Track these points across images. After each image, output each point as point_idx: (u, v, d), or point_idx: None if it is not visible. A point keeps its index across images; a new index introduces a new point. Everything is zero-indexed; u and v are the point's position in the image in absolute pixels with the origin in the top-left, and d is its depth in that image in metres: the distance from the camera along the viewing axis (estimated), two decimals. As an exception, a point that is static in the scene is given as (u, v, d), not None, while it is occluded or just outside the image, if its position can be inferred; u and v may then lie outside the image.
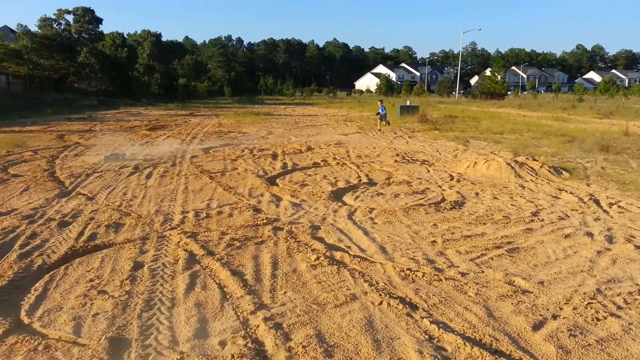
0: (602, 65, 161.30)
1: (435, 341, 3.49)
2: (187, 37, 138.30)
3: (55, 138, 15.84)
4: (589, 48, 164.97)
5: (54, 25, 55.86)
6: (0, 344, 3.40)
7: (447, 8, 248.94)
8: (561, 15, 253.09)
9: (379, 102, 22.09)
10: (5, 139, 14.82)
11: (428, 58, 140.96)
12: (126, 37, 60.87)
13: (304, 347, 3.39)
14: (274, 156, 12.29)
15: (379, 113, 20.33)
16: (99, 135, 17.15)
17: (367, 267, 4.87)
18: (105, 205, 7.28)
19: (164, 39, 71.18)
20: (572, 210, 7.21)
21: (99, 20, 58.39)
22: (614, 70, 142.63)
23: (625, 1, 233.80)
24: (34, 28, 51.54)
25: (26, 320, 3.78)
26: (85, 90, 42.97)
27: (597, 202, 7.70)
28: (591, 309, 4.00)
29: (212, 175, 9.67)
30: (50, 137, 16.14)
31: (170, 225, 6.28)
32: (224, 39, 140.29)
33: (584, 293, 4.30)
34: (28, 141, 14.72)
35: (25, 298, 4.15)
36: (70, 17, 57.33)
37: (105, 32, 58.27)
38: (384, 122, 20.00)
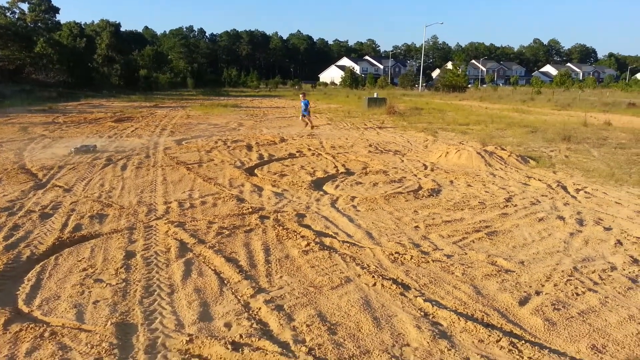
0: (558, 59, 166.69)
1: (430, 317, 3.69)
2: (147, 27, 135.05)
3: (18, 130, 15.34)
4: (545, 42, 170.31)
5: (8, 14, 53.37)
6: (4, 332, 3.39)
7: (410, 1, 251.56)
8: (519, 9, 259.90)
9: (300, 95, 17.99)
10: (-35, 132, 14.28)
11: (391, 51, 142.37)
12: (84, 27, 58.99)
13: (308, 326, 3.52)
14: (249, 147, 12.30)
15: (306, 112, 16.79)
16: (63, 127, 16.69)
17: (357, 252, 5.04)
18: (84, 197, 7.18)
19: (123, 29, 69.44)
20: (542, 195, 7.57)
21: (56, 10, 56.02)
22: (569, 64, 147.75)
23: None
24: (-15, 16, 49.15)
25: (25, 309, 3.76)
26: (44, 81, 41.46)
27: (564, 188, 8.11)
28: (570, 285, 4.29)
29: (189, 166, 9.64)
30: (13, 129, 15.61)
31: (155, 215, 6.28)
32: (185, 29, 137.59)
33: (562, 271, 4.60)
34: (-10, 134, 14.22)
35: (20, 288, 4.12)
36: (25, 6, 54.89)
37: (62, 21, 56.23)
38: (307, 119, 16.79)
